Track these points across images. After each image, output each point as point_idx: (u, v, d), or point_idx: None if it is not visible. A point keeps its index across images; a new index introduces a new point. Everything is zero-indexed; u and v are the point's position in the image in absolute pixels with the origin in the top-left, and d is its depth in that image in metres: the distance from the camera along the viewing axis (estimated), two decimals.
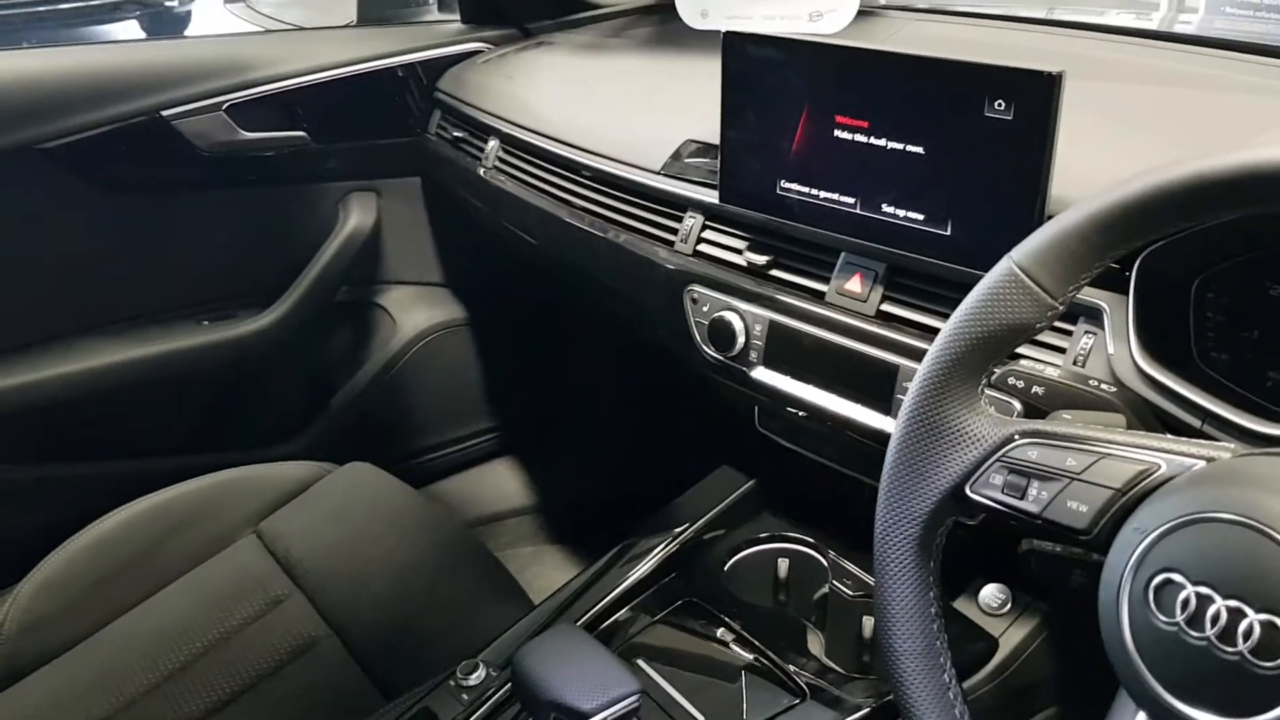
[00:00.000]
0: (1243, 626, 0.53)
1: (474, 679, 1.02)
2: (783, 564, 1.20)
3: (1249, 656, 0.53)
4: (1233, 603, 0.54)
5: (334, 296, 1.76)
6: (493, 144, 1.55)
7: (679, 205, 1.19)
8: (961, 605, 1.05)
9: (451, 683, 1.03)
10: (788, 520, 1.24)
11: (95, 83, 1.50)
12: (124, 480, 1.42)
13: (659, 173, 1.22)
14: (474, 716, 0.98)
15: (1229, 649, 0.53)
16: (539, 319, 1.91)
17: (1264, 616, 0.53)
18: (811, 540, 1.20)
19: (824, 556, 1.18)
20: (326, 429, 1.82)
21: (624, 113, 1.39)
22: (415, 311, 1.84)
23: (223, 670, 1.17)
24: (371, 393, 1.82)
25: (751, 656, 1.06)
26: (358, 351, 1.83)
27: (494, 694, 1.00)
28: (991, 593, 1.04)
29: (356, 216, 1.73)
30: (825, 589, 1.14)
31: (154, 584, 1.29)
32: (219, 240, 1.69)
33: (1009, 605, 1.03)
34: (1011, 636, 1.01)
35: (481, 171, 1.56)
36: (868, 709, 0.97)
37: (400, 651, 1.19)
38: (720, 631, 1.11)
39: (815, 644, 1.10)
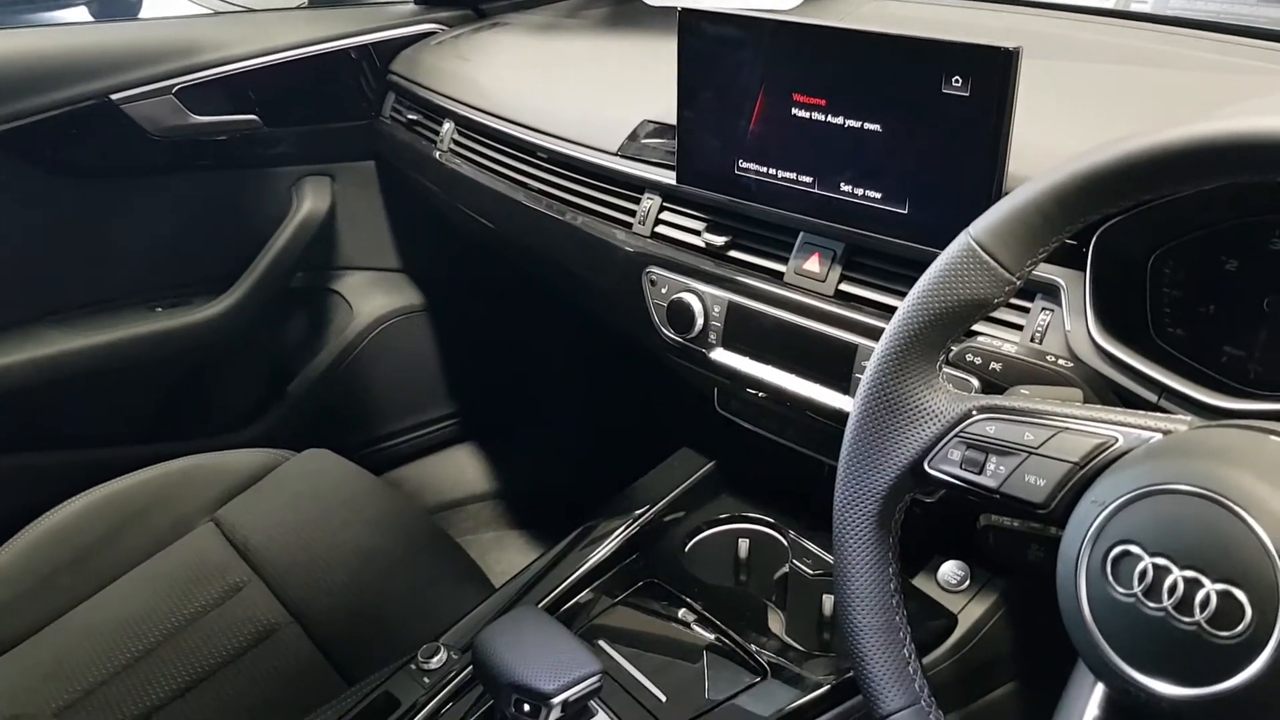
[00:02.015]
0: (1200, 596, 0.54)
1: (435, 662, 1.01)
2: (743, 544, 1.20)
3: (1206, 626, 0.53)
4: (1190, 573, 0.54)
5: (289, 282, 1.74)
6: (447, 126, 1.53)
7: (636, 186, 1.19)
8: (921, 583, 1.05)
9: (413, 666, 1.02)
10: (748, 501, 1.24)
11: (42, 66, 1.47)
12: (78, 470, 1.40)
13: (616, 154, 1.21)
14: (435, 699, 0.97)
15: (1186, 619, 0.54)
16: (497, 304, 1.90)
17: (1221, 586, 0.53)
18: (772, 520, 1.20)
19: (784, 536, 1.18)
20: (284, 416, 1.80)
21: (580, 93, 1.38)
22: (372, 297, 1.82)
23: (182, 658, 1.16)
24: (329, 379, 1.80)
25: (712, 636, 1.06)
26: (314, 338, 1.81)
27: (455, 676, 0.99)
28: (950, 570, 1.04)
29: (310, 201, 1.71)
30: (785, 568, 1.14)
31: (110, 573, 1.27)
32: (171, 226, 1.67)
33: (968, 582, 1.04)
34: (970, 613, 1.01)
35: (437, 155, 1.55)
36: (828, 686, 0.97)
37: (361, 636, 1.18)
38: (681, 612, 1.10)
39: (776, 623, 1.10)
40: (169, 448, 1.45)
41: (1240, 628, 0.52)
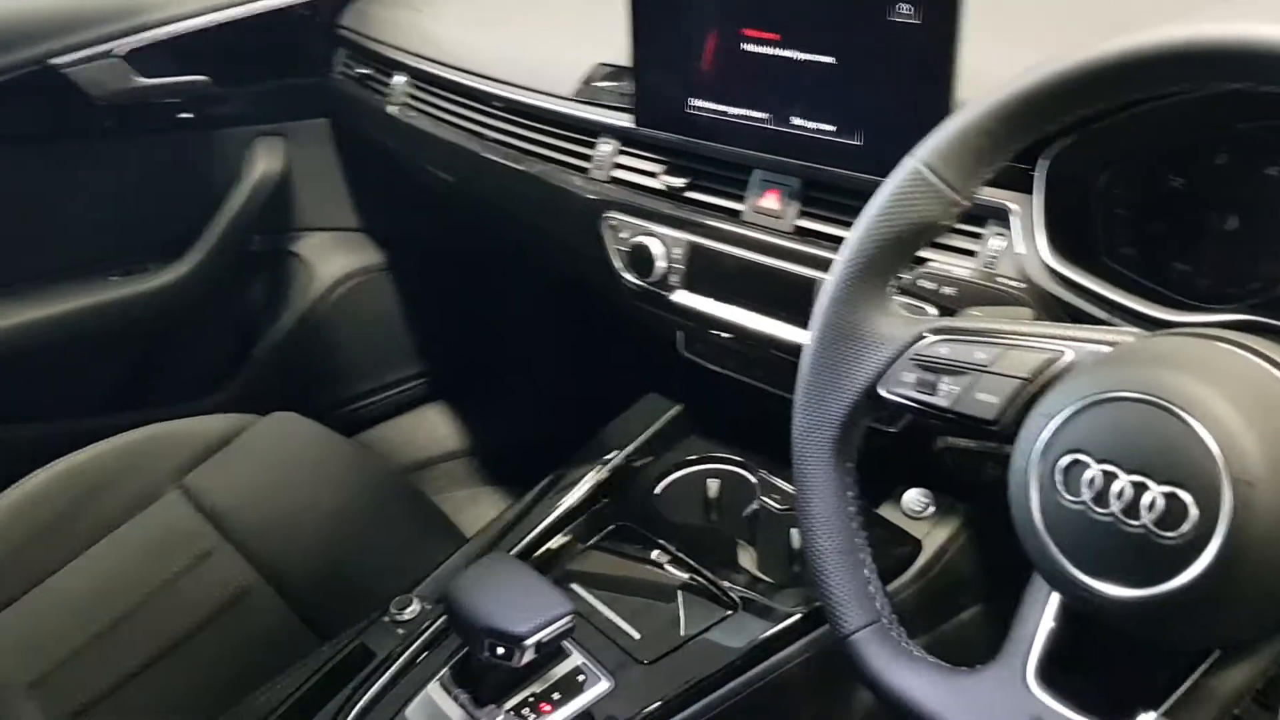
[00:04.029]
0: (1145, 499, 0.55)
1: (408, 613, 1.02)
2: (712, 484, 1.21)
3: (1153, 528, 0.55)
4: (1136, 477, 0.55)
5: (247, 245, 1.72)
6: (399, 80, 1.51)
7: (592, 131, 1.18)
8: (885, 511, 1.06)
9: (386, 619, 1.03)
10: (716, 442, 1.25)
11: None
12: (41, 443, 1.38)
13: (571, 99, 1.20)
14: (410, 649, 0.98)
15: (1134, 522, 0.55)
16: (460, 258, 1.88)
17: (1165, 488, 0.54)
18: (740, 459, 1.21)
19: (753, 474, 1.19)
20: (250, 381, 1.78)
21: (534, 39, 1.36)
22: (332, 258, 1.80)
23: (155, 625, 1.16)
24: (293, 342, 1.78)
25: (684, 575, 1.07)
26: (275, 301, 1.79)
27: (429, 626, 1.00)
28: (914, 497, 1.06)
29: (264, 162, 1.69)
30: (755, 505, 1.15)
31: (78, 545, 1.26)
32: (123, 192, 1.64)
33: (932, 508, 1.05)
34: (934, 538, 1.03)
35: (391, 109, 1.53)
36: (798, 615, 0.99)
37: (334, 594, 1.19)
38: (653, 553, 1.11)
39: (747, 559, 1.11)
40: (133, 417, 1.44)
41: (1185, 528, 0.53)
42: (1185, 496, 0.54)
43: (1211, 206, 0.80)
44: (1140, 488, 0.55)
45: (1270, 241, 0.78)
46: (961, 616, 1.06)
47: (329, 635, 1.11)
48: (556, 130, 1.23)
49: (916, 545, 1.03)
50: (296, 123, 1.73)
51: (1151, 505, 0.54)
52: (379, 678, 0.96)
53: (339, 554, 1.23)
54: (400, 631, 1.01)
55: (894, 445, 0.99)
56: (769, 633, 0.99)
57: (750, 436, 1.23)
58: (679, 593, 1.06)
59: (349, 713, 0.93)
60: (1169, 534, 0.54)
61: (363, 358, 1.89)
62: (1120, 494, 0.55)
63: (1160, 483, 0.54)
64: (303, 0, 1.65)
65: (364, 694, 0.95)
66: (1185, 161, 0.81)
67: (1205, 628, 0.56)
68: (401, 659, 0.97)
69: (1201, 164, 0.80)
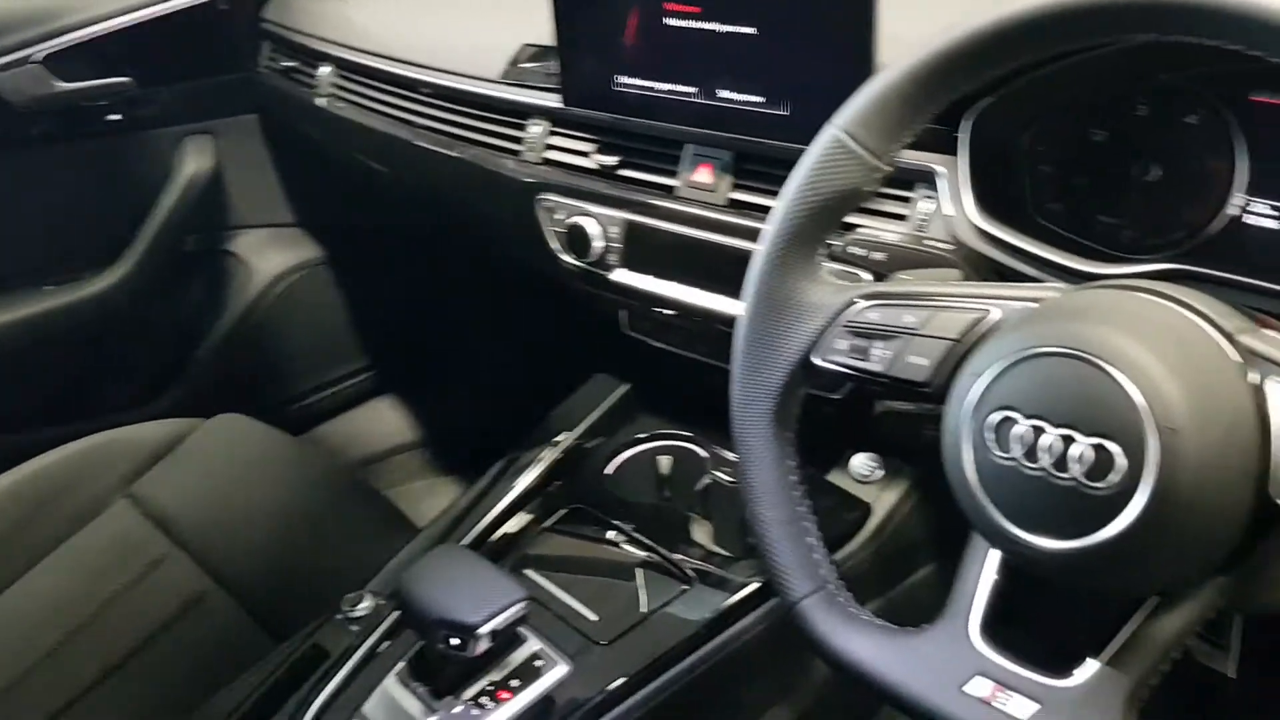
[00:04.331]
0: (1074, 452, 0.55)
1: (361, 609, 1.01)
2: (664, 461, 1.21)
3: (1082, 480, 0.55)
4: (1064, 430, 0.56)
5: (181, 247, 1.70)
6: (326, 70, 1.49)
7: (521, 113, 1.17)
8: (835, 477, 1.07)
9: (339, 616, 1.02)
10: (665, 419, 1.25)
11: None
12: None
13: (498, 81, 1.19)
14: (365, 645, 0.97)
15: (1064, 475, 0.56)
16: (400, 249, 1.86)
17: (1093, 440, 0.55)
18: (690, 435, 1.21)
19: (703, 449, 1.19)
20: (193, 384, 1.76)
21: (458, 22, 1.35)
22: (269, 255, 1.78)
23: (108, 638, 1.15)
24: (235, 342, 1.76)
25: (639, 553, 1.07)
26: (214, 301, 1.77)
27: (383, 621, 1.00)
28: (862, 462, 1.06)
29: (193, 161, 1.66)
30: (707, 480, 1.16)
31: (26, 561, 1.24)
32: (51, 200, 1.60)
33: (880, 473, 1.06)
34: (884, 501, 1.04)
35: (319, 101, 1.51)
36: (755, 585, 0.99)
37: (288, 595, 1.18)
38: (608, 533, 1.11)
39: (701, 533, 1.11)
40: (75, 428, 1.42)
41: (1113, 478, 0.54)
42: (1112, 447, 0.54)
43: (1134, 158, 0.81)
44: (1068, 441, 0.56)
45: (1191, 190, 0.79)
46: (914, 578, 1.07)
47: (284, 636, 1.10)
48: (486, 114, 1.22)
49: (866, 509, 1.04)
50: (225, 120, 1.70)
51: (1080, 457, 0.55)
52: (334, 676, 0.95)
53: (291, 554, 1.22)
54: (354, 628, 1.00)
55: (839, 412, 1.00)
56: (726, 604, 0.99)
57: (699, 411, 1.23)
58: (635, 571, 1.06)
59: (305, 713, 0.92)
60: (1098, 485, 0.55)
61: (307, 354, 1.87)
62: (1049, 448, 0.56)
63: (1087, 435, 0.55)
64: None
65: (319, 693, 0.94)
66: (1106, 115, 0.82)
67: (1138, 575, 0.57)
68: (356, 656, 0.96)
69: (1122, 116, 0.81)
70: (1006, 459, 0.58)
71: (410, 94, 1.34)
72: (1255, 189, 0.76)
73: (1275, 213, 0.75)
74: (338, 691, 0.95)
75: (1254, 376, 0.55)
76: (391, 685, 0.93)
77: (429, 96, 1.31)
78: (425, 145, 1.31)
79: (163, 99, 1.63)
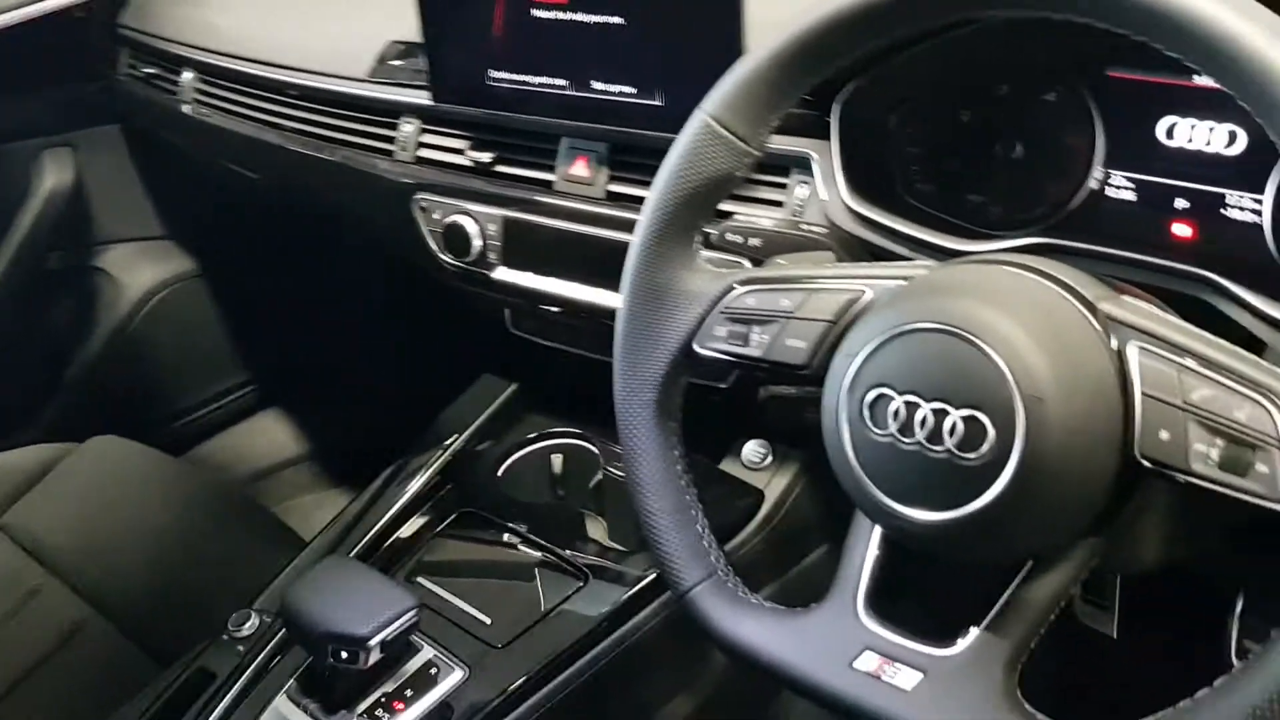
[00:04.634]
0: (947, 425, 0.56)
1: (247, 629, 0.98)
2: (556, 460, 1.20)
3: (956, 452, 0.56)
4: (936, 404, 0.57)
5: (44, 265, 1.62)
6: (188, 76, 1.44)
7: (392, 112, 1.15)
8: (727, 466, 1.07)
9: (225, 637, 0.99)
10: (555, 417, 1.23)
11: None
12: None
13: (367, 80, 1.17)
14: (253, 665, 0.94)
15: (938, 448, 0.57)
16: (277, 258, 1.81)
17: (965, 412, 0.56)
18: (580, 432, 1.20)
19: (595, 445, 1.19)
20: (64, 408, 1.69)
21: (323, 21, 1.31)
22: (139, 270, 1.71)
23: None
24: (107, 362, 1.69)
25: (535, 554, 1.06)
26: (83, 320, 1.69)
27: (271, 640, 0.97)
28: (752, 448, 1.07)
29: (52, 176, 1.59)
30: (599, 476, 1.15)
31: None
32: None
33: (770, 458, 1.06)
34: (775, 486, 1.04)
35: (184, 109, 1.46)
36: (651, 577, 0.99)
37: (172, 618, 1.15)
38: (502, 535, 1.10)
39: (597, 530, 1.11)
40: None
41: (985, 448, 0.55)
42: (983, 418, 0.55)
43: (998, 137, 0.83)
44: (941, 414, 0.56)
45: (1054, 166, 0.81)
46: (808, 560, 1.07)
47: (170, 661, 1.06)
48: (356, 114, 1.19)
49: (759, 496, 1.05)
50: (85, 131, 1.64)
51: (953, 430, 0.56)
52: (222, 698, 0.92)
53: (173, 576, 1.19)
54: (240, 648, 0.97)
55: (728, 400, 1.00)
56: (623, 599, 0.99)
57: (588, 408, 1.22)
58: (530, 571, 1.04)
59: None
60: (970, 456, 0.55)
61: (184, 371, 1.80)
62: (923, 422, 0.57)
63: (959, 407, 0.56)
64: (77, 1, 1.56)
65: (208, 717, 0.91)
66: (971, 95, 0.83)
67: (1011, 542, 0.58)
68: (244, 676, 0.93)
69: (986, 96, 0.83)
70: (883, 435, 0.59)
71: (277, 97, 1.30)
72: (1114, 162, 0.78)
73: (1132, 184, 0.78)
74: (226, 714, 0.92)
75: (1115, 342, 0.57)
76: (282, 704, 0.91)
77: (296, 99, 1.27)
78: (296, 149, 1.27)
79: (17, 112, 1.56)
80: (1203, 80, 0.71)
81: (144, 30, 1.55)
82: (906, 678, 0.61)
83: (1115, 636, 0.95)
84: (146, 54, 1.54)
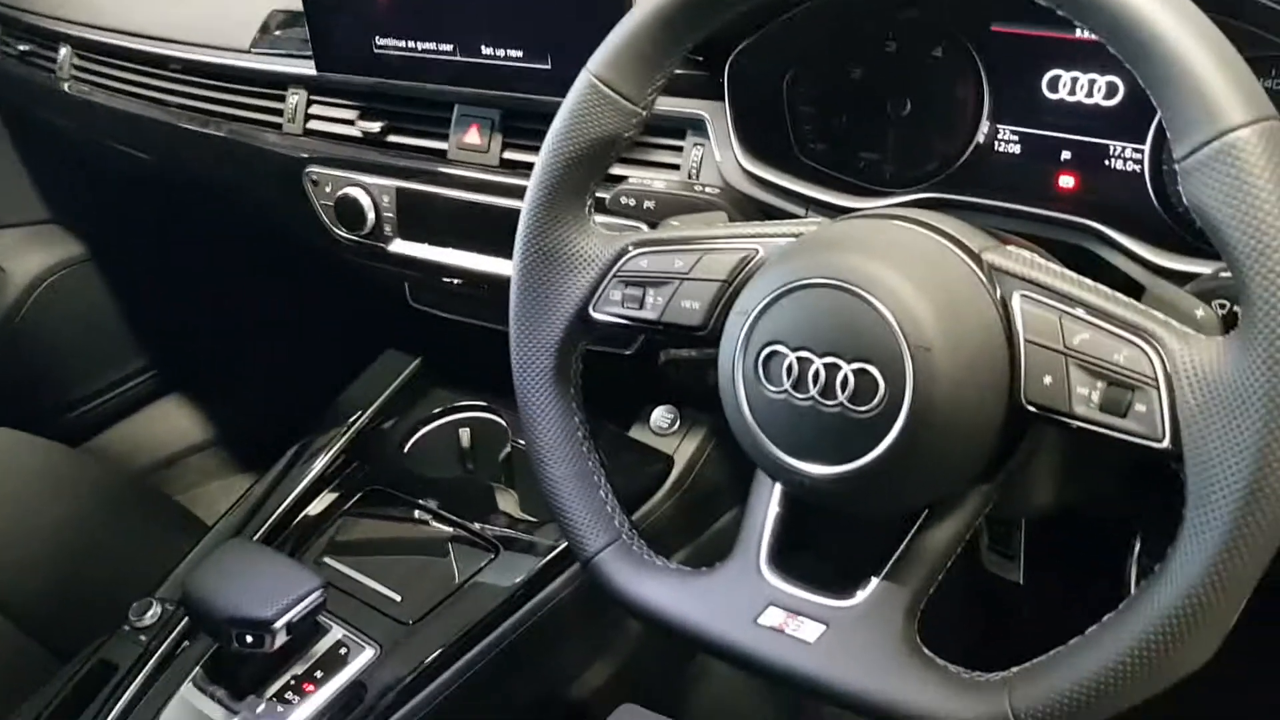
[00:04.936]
0: (839, 379, 0.57)
1: (149, 618, 0.96)
2: (464, 434, 1.19)
3: (848, 405, 0.56)
4: (828, 359, 0.57)
5: None
6: (65, 52, 1.38)
7: (277, 83, 1.12)
8: (636, 432, 1.08)
9: (126, 627, 0.96)
10: (461, 390, 1.22)
11: None
12: None
13: (249, 51, 1.13)
14: (156, 655, 0.92)
15: (831, 403, 0.57)
16: (170, 239, 1.75)
17: (855, 365, 0.56)
18: (487, 405, 1.19)
19: (502, 418, 1.18)
20: None
21: None
22: (25, 256, 1.64)
23: None
24: None
25: (444, 529, 1.05)
26: None
27: (175, 629, 0.94)
28: (660, 414, 1.07)
29: None
30: (508, 448, 1.14)
31: None
32: None
33: (678, 423, 1.07)
34: (684, 451, 1.05)
35: (63, 86, 1.40)
36: (563, 546, 0.99)
37: (71, 611, 1.12)
38: (411, 512, 1.09)
39: (507, 502, 1.10)
40: None
41: (876, 401, 0.55)
42: (873, 370, 0.56)
43: (888, 94, 0.83)
44: (833, 369, 0.57)
45: (943, 121, 0.82)
46: (719, 523, 1.08)
47: (69, 655, 1.03)
48: (240, 87, 1.16)
49: (668, 461, 1.05)
50: None
51: (845, 384, 0.56)
52: (125, 690, 0.90)
53: (71, 569, 1.16)
54: (143, 638, 0.94)
55: (634, 367, 1.00)
56: (535, 569, 0.99)
57: (493, 379, 1.20)
58: (442, 547, 1.04)
59: None
60: (862, 409, 0.56)
61: (78, 359, 1.73)
62: (816, 377, 0.57)
63: (850, 361, 0.56)
64: None
65: (111, 709, 0.89)
66: (860, 53, 0.84)
67: (906, 492, 0.59)
68: (147, 667, 0.91)
69: (874, 54, 0.83)
70: (777, 392, 0.59)
71: (160, 71, 1.26)
72: (1000, 116, 0.79)
73: (1017, 138, 0.79)
74: (130, 705, 0.90)
75: (999, 292, 0.58)
76: (189, 692, 0.89)
77: (179, 73, 1.23)
78: (182, 125, 1.23)
79: None
80: (1084, 33, 0.72)
81: (13, 4, 1.48)
82: (810, 630, 0.62)
83: (1021, 583, 0.98)
84: (20, 30, 1.47)
